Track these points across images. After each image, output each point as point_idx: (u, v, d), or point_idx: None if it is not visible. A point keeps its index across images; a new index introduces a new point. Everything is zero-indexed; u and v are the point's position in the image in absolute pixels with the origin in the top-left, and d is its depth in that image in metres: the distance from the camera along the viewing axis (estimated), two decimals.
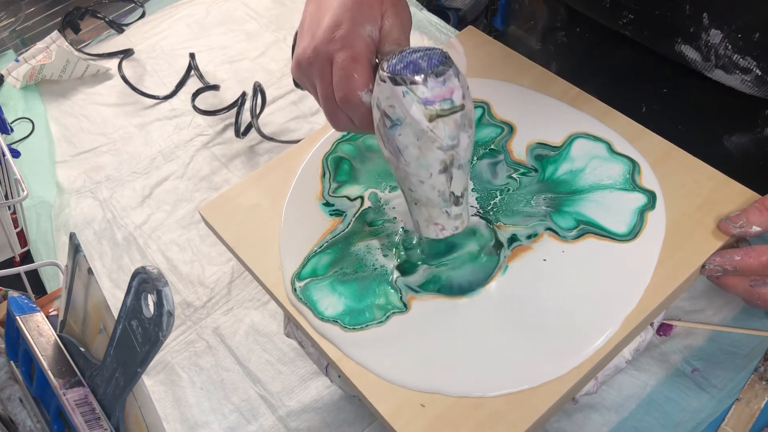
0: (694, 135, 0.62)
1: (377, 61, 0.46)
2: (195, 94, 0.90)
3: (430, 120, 0.41)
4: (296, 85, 0.53)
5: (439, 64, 0.41)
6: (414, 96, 0.41)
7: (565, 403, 0.45)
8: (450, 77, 0.41)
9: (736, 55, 0.55)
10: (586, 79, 0.66)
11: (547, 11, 0.77)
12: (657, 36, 0.61)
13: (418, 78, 0.41)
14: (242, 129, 0.83)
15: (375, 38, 0.46)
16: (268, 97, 0.88)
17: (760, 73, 0.55)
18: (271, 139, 0.82)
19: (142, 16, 1.07)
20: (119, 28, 1.04)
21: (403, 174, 0.44)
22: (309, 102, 0.87)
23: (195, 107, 0.88)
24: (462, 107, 0.42)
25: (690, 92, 0.65)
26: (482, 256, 0.49)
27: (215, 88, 0.91)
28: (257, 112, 0.83)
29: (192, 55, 0.94)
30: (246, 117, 0.84)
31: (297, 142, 0.81)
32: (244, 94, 0.84)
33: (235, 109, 0.84)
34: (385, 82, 0.42)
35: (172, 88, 0.93)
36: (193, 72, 0.93)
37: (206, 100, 0.90)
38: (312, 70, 0.47)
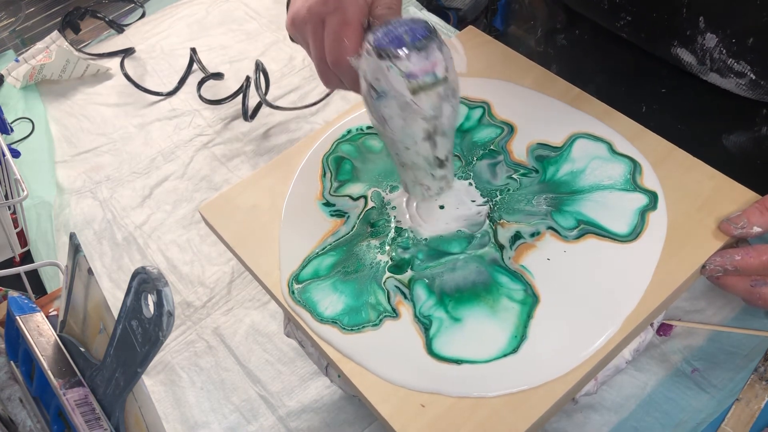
0: (693, 134, 0.62)
1: (369, 22, 0.47)
2: (200, 83, 0.91)
3: (414, 93, 0.43)
4: (291, 39, 0.56)
5: (423, 38, 0.42)
6: (398, 70, 0.42)
7: (565, 404, 0.45)
8: (433, 51, 0.42)
9: (730, 60, 0.56)
10: (586, 81, 0.67)
11: (547, 13, 0.78)
12: (654, 38, 0.61)
13: (401, 53, 0.42)
14: (250, 112, 0.85)
15: (368, 1, 0.47)
16: (269, 97, 0.88)
17: (754, 77, 0.56)
18: (279, 107, 0.84)
19: (142, 16, 1.07)
20: (119, 28, 1.04)
21: (389, 141, 0.47)
22: (309, 102, 0.87)
23: (201, 97, 0.89)
24: (445, 79, 0.43)
25: (688, 92, 0.65)
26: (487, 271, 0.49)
27: (219, 76, 0.92)
28: (264, 91, 0.85)
29: (193, 50, 0.94)
30: (251, 104, 0.86)
31: (307, 106, 0.85)
32: (248, 78, 0.85)
33: (241, 95, 0.85)
34: (370, 55, 0.43)
35: (172, 87, 0.93)
36: (195, 65, 0.94)
37: (210, 95, 0.90)
38: (305, 30, 0.48)
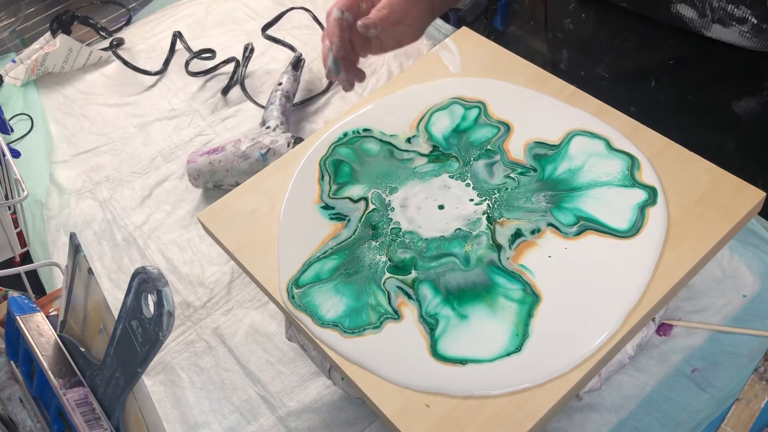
0: (703, 103, 0.62)
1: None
2: (187, 62, 0.93)
3: None
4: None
5: None
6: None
7: (569, 401, 0.45)
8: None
9: (730, 6, 0.56)
10: (596, 60, 0.67)
11: (555, 2, 0.78)
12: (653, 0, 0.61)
13: None
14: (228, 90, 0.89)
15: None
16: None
17: (756, 22, 0.56)
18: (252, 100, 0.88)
19: (128, 21, 1.07)
20: (108, 33, 1.04)
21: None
22: (309, 102, 0.87)
23: (188, 71, 0.92)
24: None
25: (694, 62, 0.66)
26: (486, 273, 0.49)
27: (210, 51, 0.94)
28: (242, 74, 0.89)
29: (178, 33, 0.97)
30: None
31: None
32: (249, 48, 0.91)
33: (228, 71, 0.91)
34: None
35: (173, 89, 0.93)
36: (180, 45, 0.97)
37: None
38: None
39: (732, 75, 0.65)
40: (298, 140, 0.74)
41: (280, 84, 0.83)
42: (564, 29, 0.77)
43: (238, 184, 0.69)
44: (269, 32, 0.91)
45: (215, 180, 0.76)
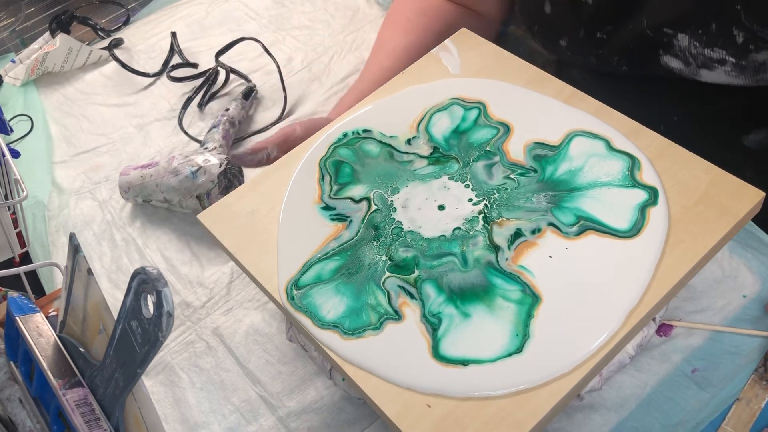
0: (713, 139, 0.63)
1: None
2: (172, 67, 0.93)
3: None
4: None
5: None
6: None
7: (570, 400, 0.45)
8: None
9: (707, 50, 0.57)
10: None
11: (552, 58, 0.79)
12: (646, 59, 0.63)
13: None
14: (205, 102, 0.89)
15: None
16: (268, 97, 0.88)
17: (734, 60, 0.56)
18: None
19: (127, 21, 1.07)
20: (106, 34, 1.04)
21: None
22: (308, 102, 0.87)
23: (169, 76, 0.92)
24: None
25: (698, 108, 0.66)
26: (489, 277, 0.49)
27: (194, 66, 0.94)
28: (206, 93, 0.89)
29: (173, 34, 0.97)
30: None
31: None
32: (218, 66, 0.90)
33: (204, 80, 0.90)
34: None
35: (172, 89, 0.93)
36: (182, 45, 0.97)
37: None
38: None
39: (736, 112, 0.65)
40: (233, 164, 0.73)
41: (227, 110, 0.82)
42: (571, 74, 0.76)
43: (166, 200, 0.72)
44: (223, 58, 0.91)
45: (145, 195, 0.75)
